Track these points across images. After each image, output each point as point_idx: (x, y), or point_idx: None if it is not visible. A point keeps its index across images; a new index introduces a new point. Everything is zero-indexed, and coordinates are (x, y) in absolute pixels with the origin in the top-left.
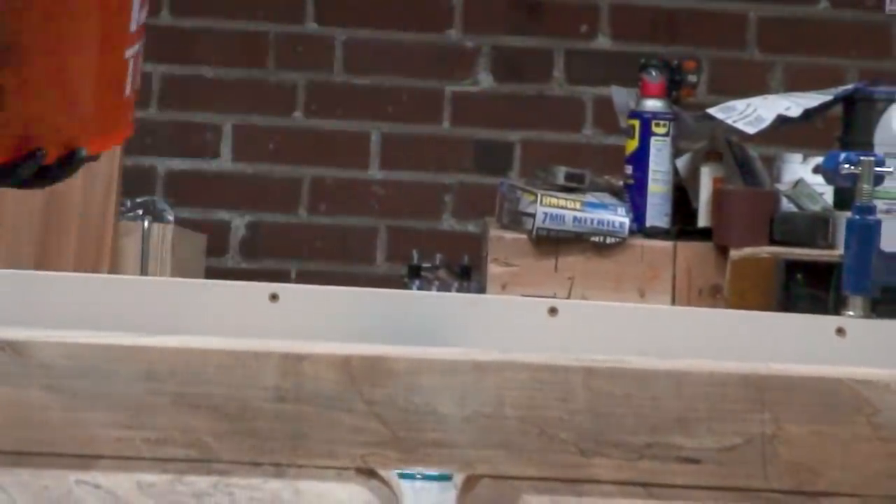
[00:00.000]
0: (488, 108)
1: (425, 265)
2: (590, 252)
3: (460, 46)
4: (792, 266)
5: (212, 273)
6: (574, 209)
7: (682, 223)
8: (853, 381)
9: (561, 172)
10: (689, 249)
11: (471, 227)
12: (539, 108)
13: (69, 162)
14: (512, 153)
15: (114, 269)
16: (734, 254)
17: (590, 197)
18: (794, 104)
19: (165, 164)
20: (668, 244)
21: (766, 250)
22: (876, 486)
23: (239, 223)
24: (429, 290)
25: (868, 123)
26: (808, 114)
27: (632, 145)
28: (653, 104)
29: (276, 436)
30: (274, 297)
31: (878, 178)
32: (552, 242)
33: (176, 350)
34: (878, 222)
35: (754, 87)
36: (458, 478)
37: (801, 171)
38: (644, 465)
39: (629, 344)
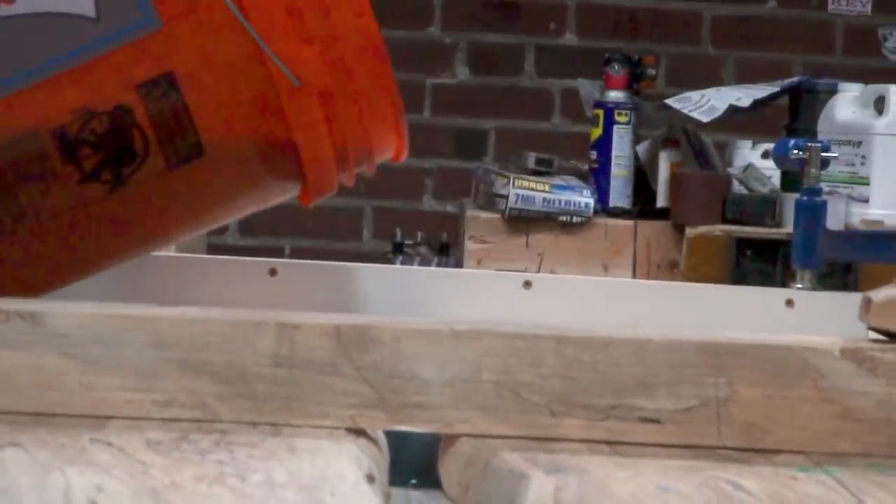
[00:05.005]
0: (465, 99)
1: (407, 242)
2: (558, 230)
3: (439, 42)
4: (742, 243)
5: (213, 249)
6: (543, 191)
7: (642, 204)
8: (801, 348)
9: (531, 157)
10: (649, 228)
11: (449, 208)
12: (511, 98)
13: None
14: (487, 140)
15: None
16: (690, 232)
17: (558, 180)
18: (744, 95)
19: None
20: (629, 223)
21: (719, 228)
22: (820, 443)
23: None
24: (411, 264)
25: (812, 113)
26: (757, 104)
27: (596, 133)
28: (615, 95)
29: (272, 398)
30: (273, 272)
31: (824, 163)
32: (523, 221)
33: (182, 320)
34: (824, 203)
35: (708, 79)
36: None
37: (750, 156)
38: (609, 425)
39: (596, 314)
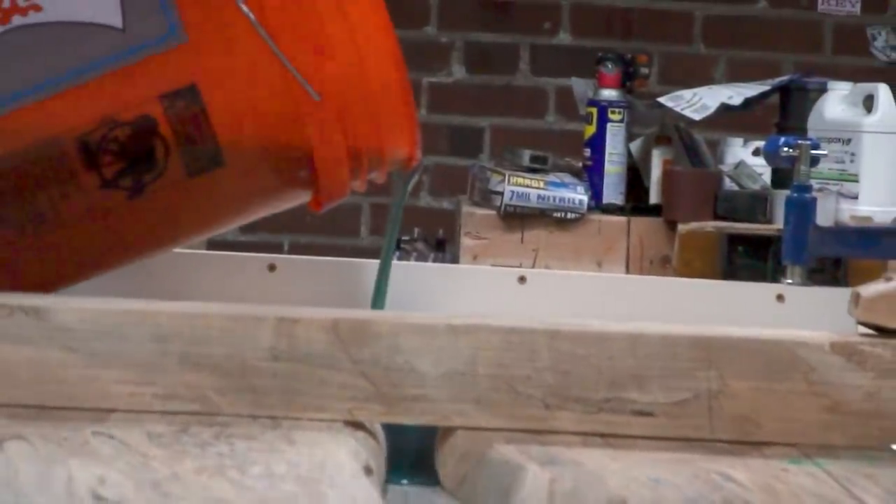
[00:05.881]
0: (461, 97)
1: (404, 238)
2: (552, 226)
3: (436, 42)
4: (734, 239)
5: (213, 245)
6: (538, 188)
7: (635, 200)
8: (791, 342)
9: (526, 155)
10: (642, 224)
11: (445, 204)
12: (507, 97)
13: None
14: (482, 138)
15: None
16: (682, 228)
17: (552, 177)
18: (735, 93)
19: None
20: (622, 219)
21: (711, 225)
22: (810, 435)
23: None
24: (408, 260)
25: (802, 111)
26: (748, 102)
27: (590, 130)
28: (609, 94)
29: (272, 391)
30: (272, 268)
31: (814, 160)
32: (518, 218)
33: (183, 314)
34: (814, 199)
35: (700, 78)
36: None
37: (741, 153)
38: (602, 418)
39: (589, 309)
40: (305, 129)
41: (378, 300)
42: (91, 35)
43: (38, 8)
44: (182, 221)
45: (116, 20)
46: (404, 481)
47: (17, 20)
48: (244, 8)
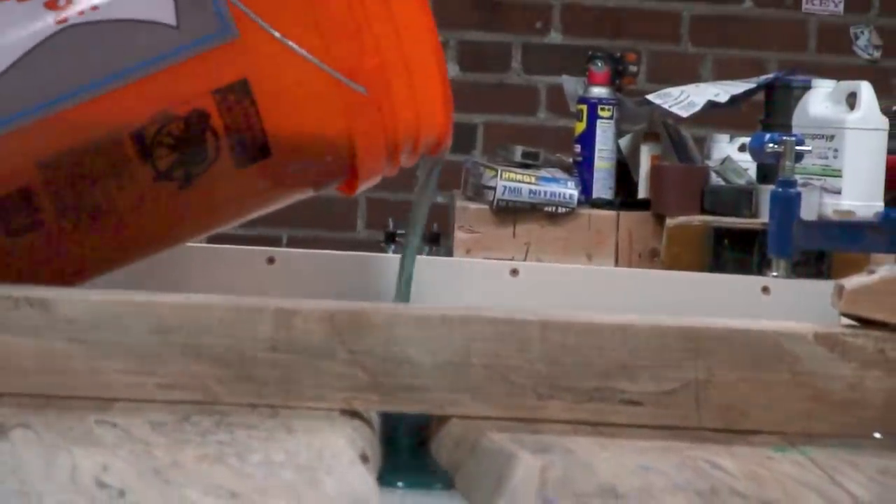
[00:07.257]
0: (455, 95)
1: (400, 232)
2: (543, 220)
3: None
4: (720, 232)
5: (212, 238)
6: (530, 183)
7: (624, 195)
8: (777, 333)
9: (518, 151)
10: (630, 218)
11: (440, 199)
12: (499, 94)
13: None
14: (476, 134)
15: None
16: (669, 222)
17: (543, 172)
18: (722, 91)
19: None
20: (611, 213)
21: (698, 219)
22: (795, 424)
23: None
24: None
25: (786, 108)
26: (734, 99)
27: (580, 127)
28: (599, 91)
29: (270, 381)
30: (271, 261)
31: (799, 156)
32: (511, 212)
33: (184, 306)
34: (799, 194)
35: (687, 76)
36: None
37: (728, 149)
38: (593, 407)
39: (580, 300)
40: (349, 118)
41: (404, 293)
42: (146, 32)
43: (94, 7)
44: (227, 208)
45: (170, 18)
46: (399, 484)
47: (73, 18)
48: (276, 34)
